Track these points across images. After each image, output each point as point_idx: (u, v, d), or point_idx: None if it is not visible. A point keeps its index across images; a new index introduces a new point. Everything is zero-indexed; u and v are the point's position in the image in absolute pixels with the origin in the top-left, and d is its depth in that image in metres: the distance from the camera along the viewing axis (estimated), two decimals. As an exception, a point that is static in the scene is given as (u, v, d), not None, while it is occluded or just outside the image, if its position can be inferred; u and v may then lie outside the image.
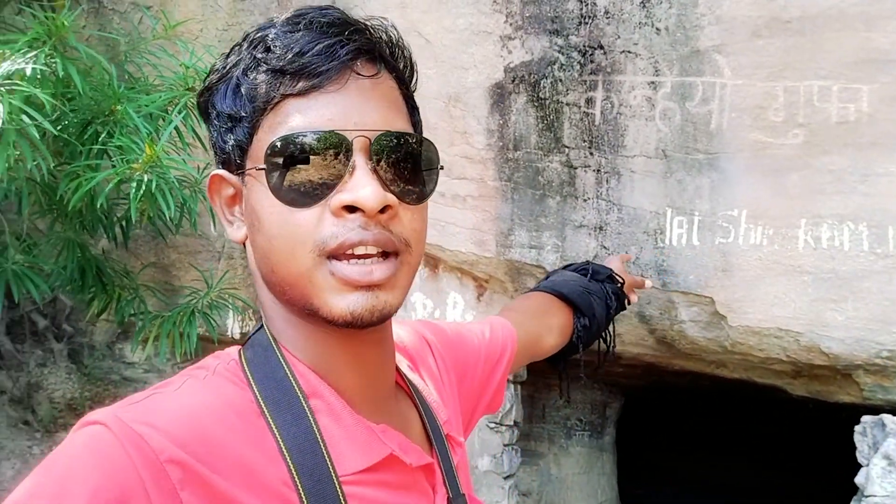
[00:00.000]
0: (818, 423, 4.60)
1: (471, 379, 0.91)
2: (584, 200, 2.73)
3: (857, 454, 2.85)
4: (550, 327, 1.13)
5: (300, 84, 0.63)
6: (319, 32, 0.64)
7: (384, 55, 0.68)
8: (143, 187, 1.96)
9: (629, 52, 2.53)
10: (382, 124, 0.64)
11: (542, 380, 3.70)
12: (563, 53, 2.62)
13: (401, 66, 0.70)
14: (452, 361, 0.88)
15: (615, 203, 2.70)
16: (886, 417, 2.75)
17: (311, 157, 0.61)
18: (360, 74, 0.64)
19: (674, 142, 2.55)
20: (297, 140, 0.62)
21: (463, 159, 2.79)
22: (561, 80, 2.63)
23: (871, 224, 2.43)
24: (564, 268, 1.27)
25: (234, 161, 0.67)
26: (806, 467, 5.44)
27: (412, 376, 0.78)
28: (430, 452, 0.72)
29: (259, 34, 0.66)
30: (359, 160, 0.62)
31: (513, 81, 2.68)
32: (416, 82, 0.72)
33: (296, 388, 0.64)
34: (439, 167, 0.70)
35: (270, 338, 0.67)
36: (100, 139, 2.13)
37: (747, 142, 2.46)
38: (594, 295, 1.19)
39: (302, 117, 0.62)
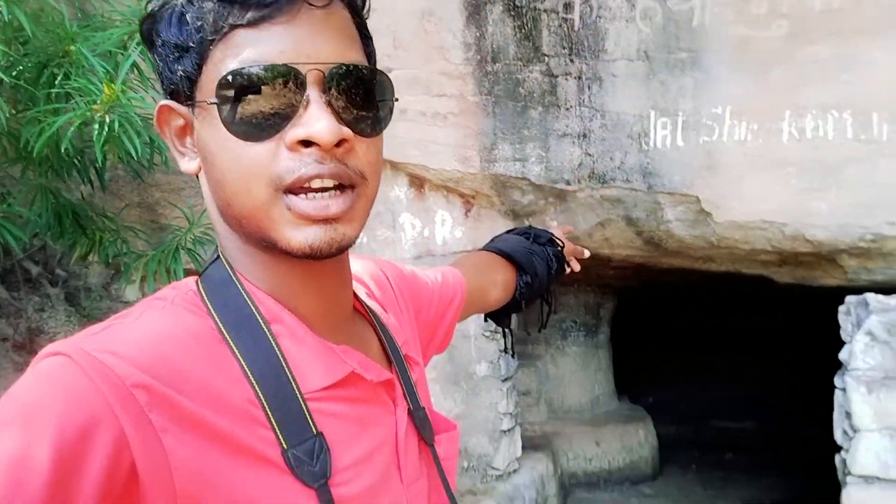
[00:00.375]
0: (803, 312, 4.75)
1: (426, 313, 0.95)
2: (567, 109, 2.67)
3: (841, 332, 2.93)
4: (495, 282, 1.18)
5: (249, 14, 0.60)
6: None
7: None
8: (107, 129, 1.91)
9: (606, -50, 2.41)
10: (336, 57, 0.62)
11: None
12: (537, -44, 2.50)
13: None
14: (409, 294, 0.91)
15: (598, 109, 2.65)
16: (870, 296, 2.82)
17: (264, 89, 0.60)
18: (311, 5, 0.62)
19: (655, 42, 2.47)
20: (248, 73, 0.60)
21: (441, 76, 2.71)
22: (537, -14, 2.52)
23: (855, 112, 2.41)
24: (507, 232, 1.30)
25: (182, 91, 0.65)
26: (793, 356, 5.65)
27: (370, 303, 0.81)
28: (389, 370, 0.75)
29: None
30: (312, 94, 0.61)
31: (487, -10, 2.57)
32: (368, 10, 0.69)
33: (256, 314, 0.65)
34: (394, 99, 0.68)
35: (228, 267, 0.68)
36: (57, 82, 2.05)
37: (730, 37, 2.40)
38: (536, 255, 1.23)
39: (253, 49, 0.60)
